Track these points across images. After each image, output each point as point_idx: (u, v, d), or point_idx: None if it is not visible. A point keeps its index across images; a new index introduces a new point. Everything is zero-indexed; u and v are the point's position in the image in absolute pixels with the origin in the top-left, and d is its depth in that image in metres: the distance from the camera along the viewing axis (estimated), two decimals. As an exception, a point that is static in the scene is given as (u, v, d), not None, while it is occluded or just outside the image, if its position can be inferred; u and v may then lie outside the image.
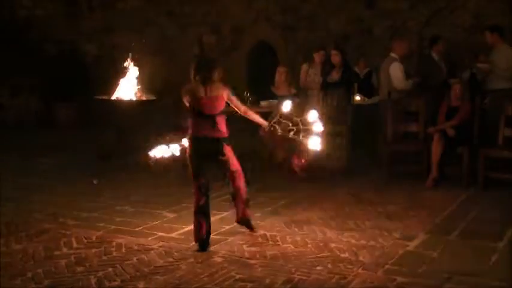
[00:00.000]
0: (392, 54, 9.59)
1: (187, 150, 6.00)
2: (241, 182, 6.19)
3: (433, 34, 10.22)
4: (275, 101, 9.48)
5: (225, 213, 6.99)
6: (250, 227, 6.37)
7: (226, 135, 6.00)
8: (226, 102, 6.05)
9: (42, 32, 15.24)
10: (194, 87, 5.95)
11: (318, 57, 9.80)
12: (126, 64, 10.30)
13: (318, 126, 6.14)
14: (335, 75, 9.15)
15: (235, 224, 6.41)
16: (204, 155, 5.94)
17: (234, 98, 6.16)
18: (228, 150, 6.04)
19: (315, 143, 6.14)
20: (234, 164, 6.11)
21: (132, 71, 10.31)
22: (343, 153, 9.11)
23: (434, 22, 11.47)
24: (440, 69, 9.77)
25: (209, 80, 5.95)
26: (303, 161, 8.86)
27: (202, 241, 5.88)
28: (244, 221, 6.36)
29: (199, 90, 5.90)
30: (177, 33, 14.08)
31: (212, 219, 6.53)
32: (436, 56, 9.83)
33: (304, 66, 10.10)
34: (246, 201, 6.29)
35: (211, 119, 5.91)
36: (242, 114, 6.25)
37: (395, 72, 9.44)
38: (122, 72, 10.33)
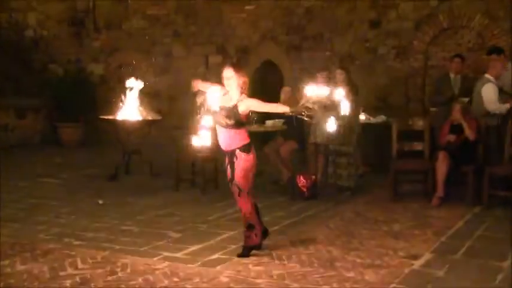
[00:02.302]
0: (487, 75, 9.18)
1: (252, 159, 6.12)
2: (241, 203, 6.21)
3: (454, 53, 10.20)
4: (280, 121, 9.51)
5: (231, 233, 6.95)
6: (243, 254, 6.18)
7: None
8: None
9: (48, 53, 15.36)
10: None
11: (321, 77, 9.79)
12: (131, 84, 10.33)
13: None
14: (340, 95, 9.14)
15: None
16: None
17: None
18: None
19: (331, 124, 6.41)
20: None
21: (138, 91, 10.33)
22: (349, 172, 9.10)
23: (439, 42, 11.55)
24: (452, 88, 9.71)
25: None
26: (308, 179, 8.86)
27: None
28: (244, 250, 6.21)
29: None
30: (183, 53, 14.17)
31: (218, 238, 6.56)
32: (453, 75, 9.76)
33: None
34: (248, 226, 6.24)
35: None
36: None
37: (489, 94, 9.02)
38: (127, 92, 10.35)
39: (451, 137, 8.55)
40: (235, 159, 6.08)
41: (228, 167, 6.13)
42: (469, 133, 8.55)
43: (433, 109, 10.01)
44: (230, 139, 6.10)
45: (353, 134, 9.11)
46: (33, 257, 6.11)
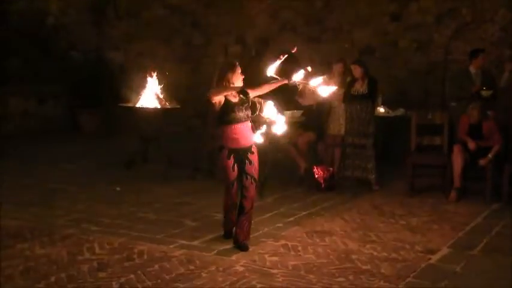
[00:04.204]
0: None
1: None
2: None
3: (475, 48, 9.84)
4: (299, 111, 9.48)
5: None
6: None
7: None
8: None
9: (69, 40, 15.40)
10: None
11: (336, 69, 9.74)
12: (151, 72, 10.33)
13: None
14: (359, 88, 9.10)
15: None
16: None
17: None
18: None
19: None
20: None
21: (157, 79, 10.33)
22: (366, 165, 9.06)
23: (461, 36, 11.43)
24: (473, 83, 9.53)
25: None
26: (325, 171, 8.85)
27: None
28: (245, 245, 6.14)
29: None
30: (203, 43, 14.16)
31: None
32: (474, 70, 9.54)
33: (325, 78, 10.04)
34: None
35: None
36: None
37: None
38: (146, 80, 10.35)
39: (472, 145, 8.46)
40: (250, 155, 6.04)
41: (236, 165, 5.98)
42: (496, 152, 8.46)
43: (453, 104, 9.88)
44: (249, 131, 6.08)
45: (371, 127, 9.06)
46: (51, 241, 6.17)
